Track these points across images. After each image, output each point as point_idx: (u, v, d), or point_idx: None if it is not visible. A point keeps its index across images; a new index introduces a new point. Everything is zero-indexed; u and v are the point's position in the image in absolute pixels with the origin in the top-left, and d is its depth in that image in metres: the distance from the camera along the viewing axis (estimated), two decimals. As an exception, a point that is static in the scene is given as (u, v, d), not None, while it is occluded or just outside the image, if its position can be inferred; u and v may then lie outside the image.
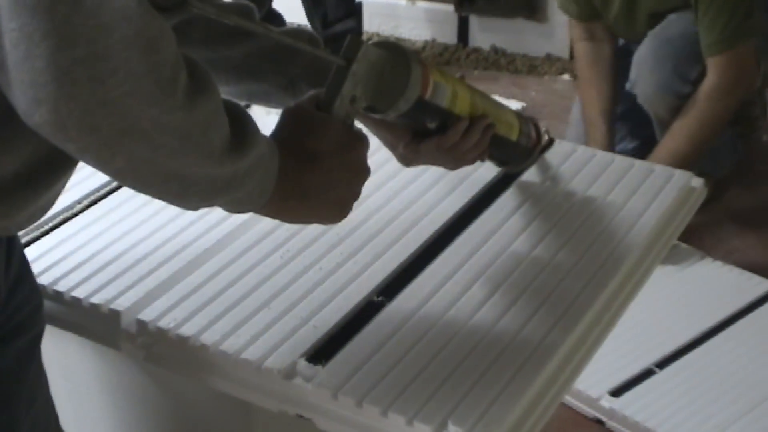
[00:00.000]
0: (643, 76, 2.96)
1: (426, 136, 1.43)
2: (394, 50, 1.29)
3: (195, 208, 1.12)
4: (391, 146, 1.48)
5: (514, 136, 1.55)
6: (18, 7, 0.89)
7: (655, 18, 2.99)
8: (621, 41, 3.19)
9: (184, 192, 1.05)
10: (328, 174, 1.19)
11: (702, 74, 2.87)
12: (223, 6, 1.31)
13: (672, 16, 2.95)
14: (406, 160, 1.49)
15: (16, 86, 0.93)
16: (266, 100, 1.47)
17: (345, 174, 1.21)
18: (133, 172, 1.00)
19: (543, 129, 1.67)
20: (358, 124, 1.35)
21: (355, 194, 1.25)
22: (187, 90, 0.99)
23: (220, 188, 1.08)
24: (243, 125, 1.09)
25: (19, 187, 1.11)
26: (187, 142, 1.00)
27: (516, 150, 1.60)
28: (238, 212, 1.17)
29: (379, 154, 1.55)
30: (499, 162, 1.65)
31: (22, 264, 1.27)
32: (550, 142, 1.77)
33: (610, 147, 3.00)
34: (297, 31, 1.40)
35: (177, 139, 0.99)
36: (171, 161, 1.01)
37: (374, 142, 1.45)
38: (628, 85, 3.05)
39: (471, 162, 1.52)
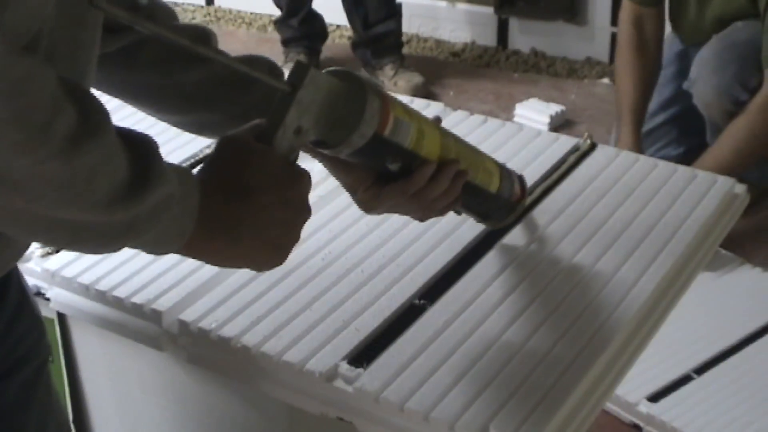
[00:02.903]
0: (703, 76, 2.95)
1: (389, 181, 1.27)
2: (349, 79, 1.15)
3: (99, 252, 1.03)
4: (351, 189, 1.30)
5: (493, 187, 1.39)
6: None
7: (720, 23, 2.98)
8: (680, 46, 3.17)
9: (76, 239, 0.96)
10: (262, 212, 1.08)
11: (761, 84, 2.85)
12: (168, 26, 1.24)
13: (739, 23, 2.94)
14: (366, 206, 1.30)
15: None
16: (218, 132, 1.26)
17: (281, 213, 1.09)
18: (10, 222, 0.93)
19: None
20: (315, 164, 1.26)
21: (293, 237, 1.13)
22: (71, 135, 0.88)
23: (119, 233, 0.98)
24: (146, 164, 0.97)
25: None
26: (68, 192, 0.90)
27: (496, 203, 1.43)
28: (157, 254, 1.07)
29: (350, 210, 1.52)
30: (477, 216, 1.48)
31: (21, 295, 1.22)
32: (592, 146, 1.77)
33: (637, 146, 2.99)
34: (254, 59, 1.31)
35: (55, 190, 0.89)
36: (52, 211, 0.91)
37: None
38: (685, 85, 3.04)
39: (441, 213, 1.36)
